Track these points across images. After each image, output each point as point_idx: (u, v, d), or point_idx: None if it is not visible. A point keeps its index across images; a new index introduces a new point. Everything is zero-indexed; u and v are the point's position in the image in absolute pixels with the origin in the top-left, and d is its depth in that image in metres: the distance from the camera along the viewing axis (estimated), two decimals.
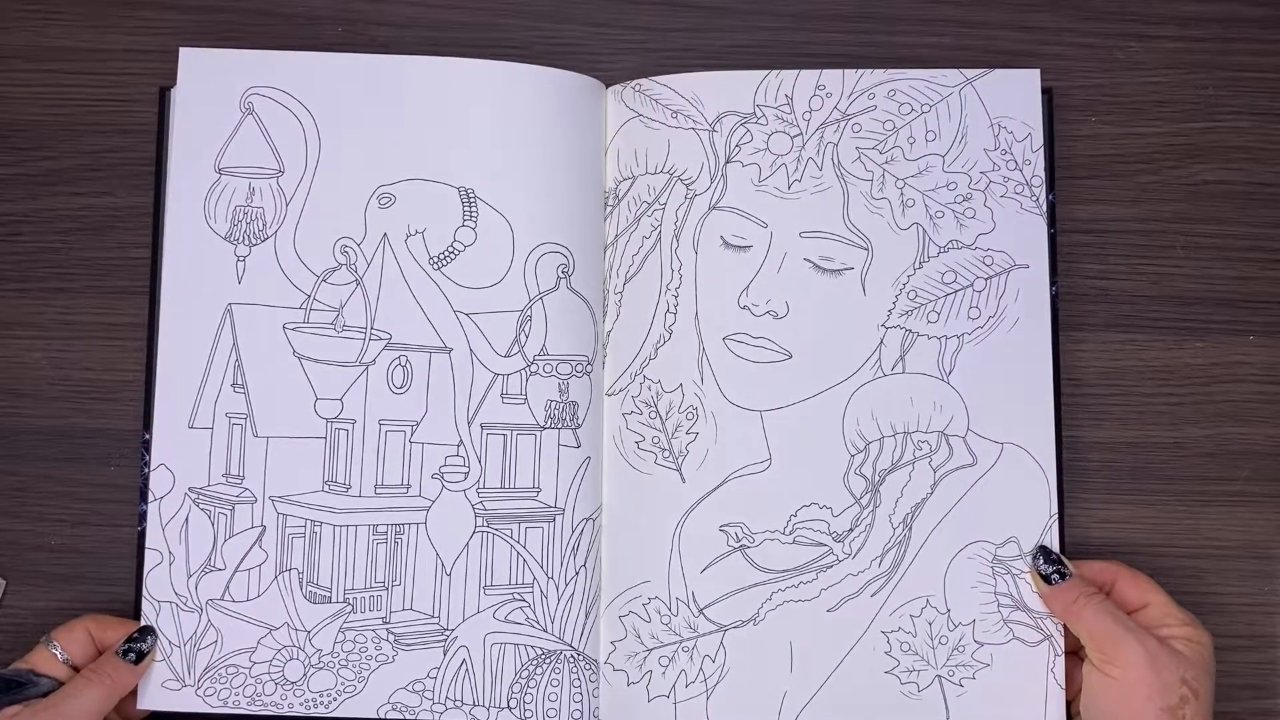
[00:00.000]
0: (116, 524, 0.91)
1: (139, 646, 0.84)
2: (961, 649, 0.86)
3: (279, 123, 0.89)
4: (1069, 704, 0.86)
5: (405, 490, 0.88)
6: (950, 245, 0.89)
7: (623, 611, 0.88)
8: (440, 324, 0.88)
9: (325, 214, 0.89)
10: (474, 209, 0.89)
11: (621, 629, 0.88)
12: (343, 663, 0.87)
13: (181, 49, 0.90)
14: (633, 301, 0.90)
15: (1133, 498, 0.92)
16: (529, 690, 0.86)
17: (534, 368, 0.88)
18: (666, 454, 0.88)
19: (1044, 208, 0.89)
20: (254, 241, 0.89)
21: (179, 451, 0.88)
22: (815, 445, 0.88)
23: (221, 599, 0.87)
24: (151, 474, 0.87)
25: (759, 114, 0.90)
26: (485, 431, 0.88)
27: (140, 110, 0.94)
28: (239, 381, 0.88)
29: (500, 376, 0.88)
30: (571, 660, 0.87)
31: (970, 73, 0.90)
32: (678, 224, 0.90)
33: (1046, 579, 0.85)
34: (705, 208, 0.90)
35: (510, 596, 0.87)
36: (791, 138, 0.90)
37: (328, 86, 0.90)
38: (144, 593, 0.87)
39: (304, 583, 0.87)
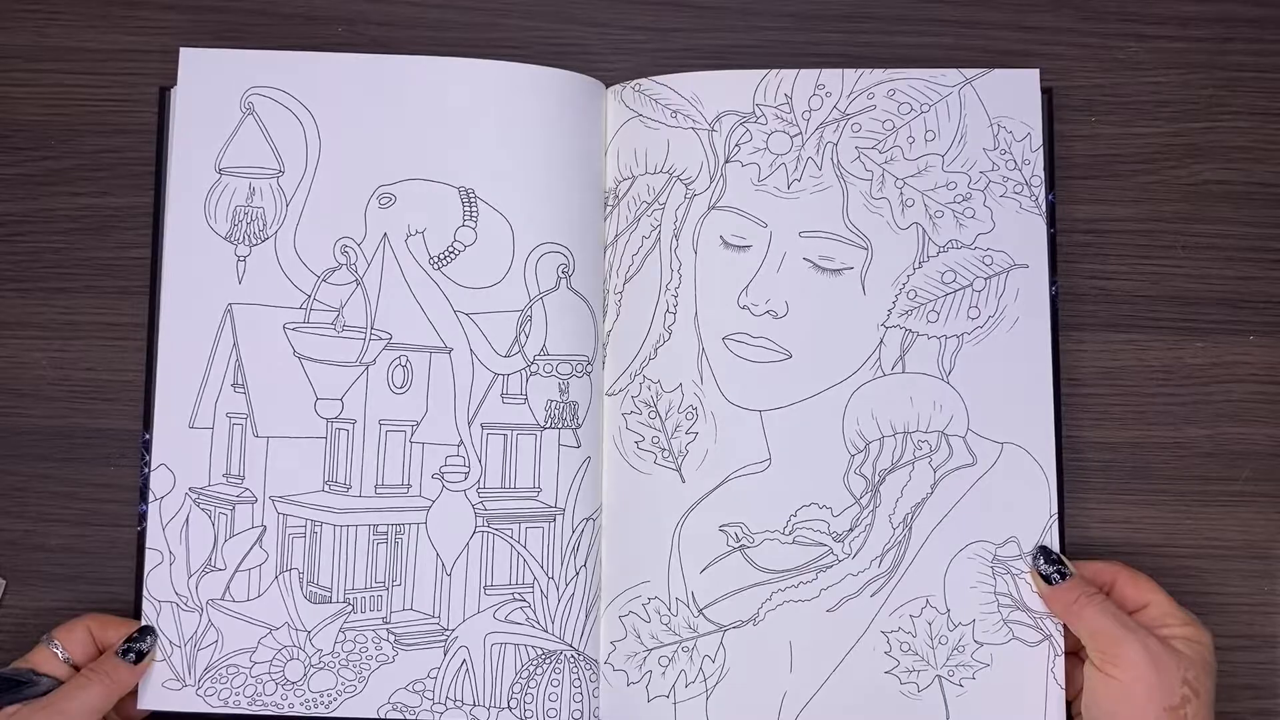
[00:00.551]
0: (116, 524, 0.91)
1: (139, 646, 0.84)
2: (961, 649, 0.86)
3: (279, 123, 0.89)
4: (1069, 704, 0.86)
5: (405, 490, 0.88)
6: (950, 245, 0.89)
7: (622, 611, 0.88)
8: (440, 324, 0.88)
9: (325, 214, 0.89)
10: (474, 209, 0.89)
11: (621, 629, 0.88)
12: (343, 663, 0.87)
13: (182, 49, 0.90)
14: (632, 301, 0.90)
15: (1133, 498, 0.92)
16: (529, 690, 0.86)
17: (534, 368, 0.88)
18: (666, 454, 0.88)
19: (1043, 207, 0.89)
20: (254, 241, 0.89)
21: (179, 451, 0.88)
22: (815, 445, 0.88)
23: (222, 599, 0.87)
24: (152, 474, 0.87)
25: (758, 113, 0.90)
26: (485, 431, 0.88)
27: (140, 110, 0.94)
28: (239, 381, 0.88)
29: (500, 376, 0.88)
30: (572, 660, 0.87)
31: (970, 72, 0.90)
32: (677, 224, 0.90)
33: (1047, 579, 0.85)
34: (705, 207, 0.90)
35: (510, 596, 0.87)
36: (791, 137, 0.90)
37: (328, 86, 0.90)
38: (144, 593, 0.87)
39: (304, 583, 0.87)
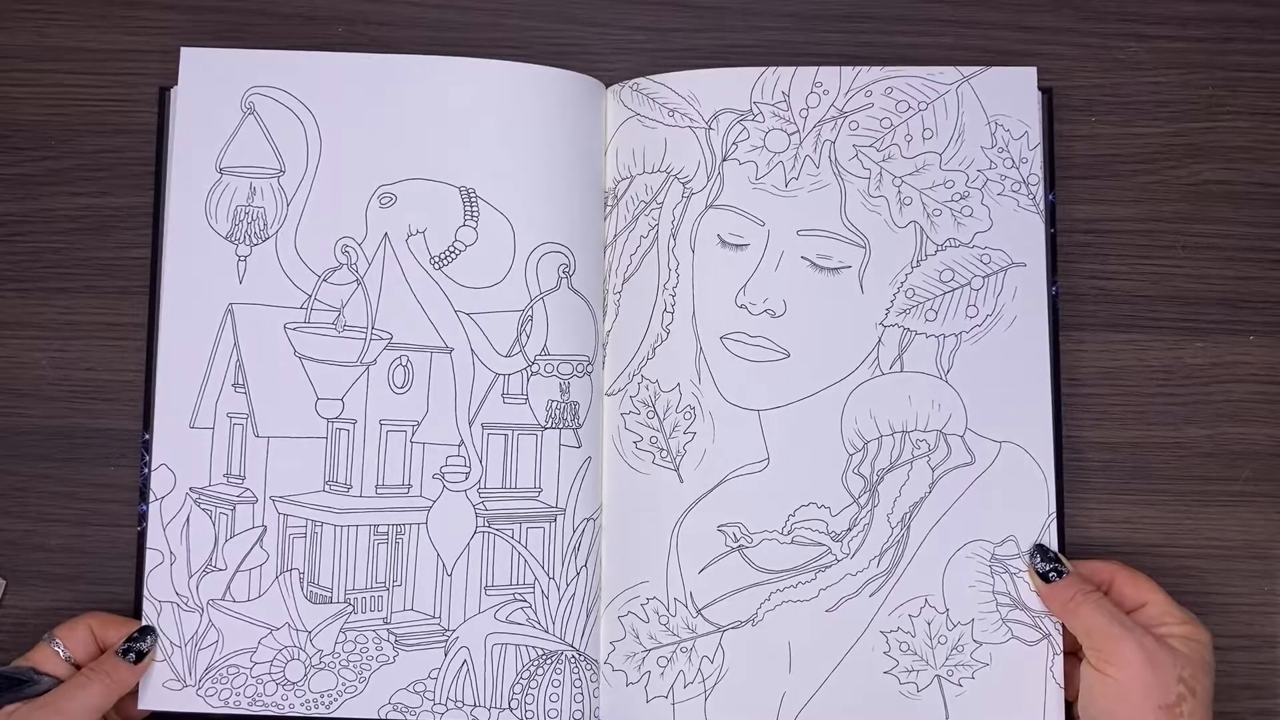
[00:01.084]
0: (117, 524, 0.91)
1: (139, 646, 0.85)
2: (960, 648, 0.86)
3: (280, 122, 0.90)
4: (1069, 705, 0.86)
5: (406, 490, 0.88)
6: (948, 243, 0.89)
7: (621, 612, 0.88)
8: (441, 324, 0.88)
9: (326, 214, 0.89)
10: (475, 209, 0.89)
11: (620, 629, 0.88)
12: (343, 663, 0.87)
13: (183, 49, 0.90)
14: (631, 301, 0.90)
15: (1133, 498, 0.92)
16: (530, 691, 0.86)
17: (535, 368, 0.88)
18: (664, 454, 0.88)
19: (1041, 206, 0.89)
20: (255, 241, 0.89)
21: (180, 451, 0.88)
22: (813, 444, 0.88)
23: (222, 599, 0.87)
24: (152, 474, 0.87)
25: (756, 111, 0.90)
26: (486, 431, 0.88)
27: (140, 110, 0.94)
28: (240, 381, 0.88)
29: (501, 376, 0.88)
30: (572, 661, 0.87)
31: (967, 70, 0.90)
32: (675, 223, 0.90)
33: (1044, 577, 0.85)
34: (702, 206, 0.90)
35: (511, 597, 0.87)
36: (789, 135, 0.90)
37: (329, 86, 0.90)
38: (145, 593, 0.87)
39: (305, 583, 0.87)
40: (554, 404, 0.88)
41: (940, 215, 0.89)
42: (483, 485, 0.88)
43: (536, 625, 0.87)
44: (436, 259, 0.89)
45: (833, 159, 0.89)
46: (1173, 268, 0.93)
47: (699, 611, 0.87)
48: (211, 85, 0.90)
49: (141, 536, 0.87)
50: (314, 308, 0.89)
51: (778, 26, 0.96)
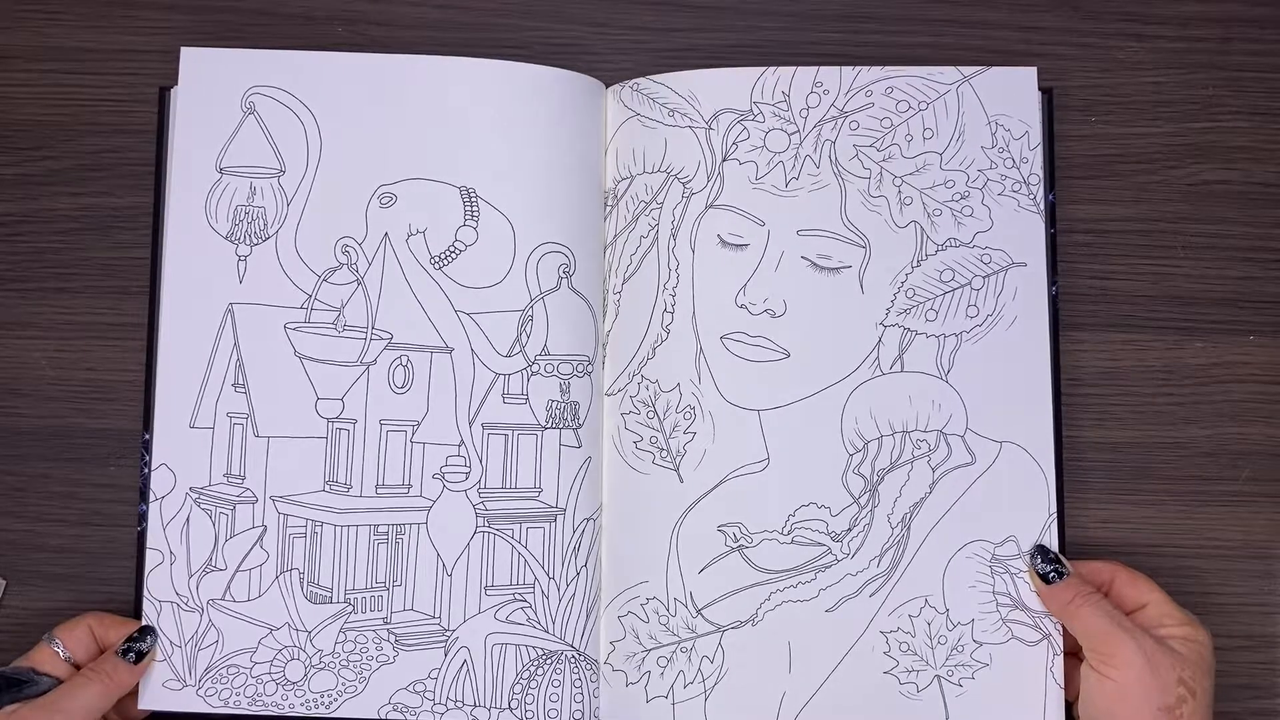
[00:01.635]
0: (117, 524, 0.91)
1: (138, 646, 0.85)
2: (960, 649, 0.86)
3: (280, 122, 0.90)
4: (1069, 705, 0.86)
5: (406, 490, 0.88)
6: (948, 243, 0.89)
7: (621, 612, 0.88)
8: (441, 324, 0.88)
9: (326, 213, 0.89)
10: (475, 208, 0.89)
11: (620, 629, 0.88)
12: (343, 663, 0.87)
13: (183, 49, 0.90)
14: (631, 301, 0.90)
15: (1133, 498, 0.92)
16: (530, 691, 0.86)
17: (535, 367, 0.88)
18: (664, 454, 0.88)
19: (1041, 206, 0.89)
20: (255, 241, 0.89)
21: (180, 451, 0.88)
22: (813, 445, 0.88)
23: (222, 599, 0.87)
24: (152, 474, 0.87)
25: (756, 111, 0.90)
26: (486, 431, 0.88)
27: (140, 110, 0.94)
28: (240, 381, 0.88)
29: (501, 376, 0.88)
30: (573, 661, 0.87)
31: (967, 70, 0.90)
32: (675, 223, 0.90)
33: (1044, 578, 0.84)
34: (702, 206, 0.89)
35: (511, 597, 0.87)
36: (789, 135, 0.90)
37: (329, 86, 0.90)
38: (145, 593, 0.87)
39: (305, 583, 0.87)
40: (554, 404, 0.88)
41: (940, 215, 0.89)
42: (483, 485, 0.88)
43: (536, 625, 0.87)
44: (437, 259, 0.89)
45: (833, 159, 0.89)
46: (1173, 268, 0.93)
47: (699, 611, 0.87)
48: (211, 85, 0.90)
49: (141, 536, 0.87)
50: (314, 308, 0.89)
51: (777, 26, 0.96)
